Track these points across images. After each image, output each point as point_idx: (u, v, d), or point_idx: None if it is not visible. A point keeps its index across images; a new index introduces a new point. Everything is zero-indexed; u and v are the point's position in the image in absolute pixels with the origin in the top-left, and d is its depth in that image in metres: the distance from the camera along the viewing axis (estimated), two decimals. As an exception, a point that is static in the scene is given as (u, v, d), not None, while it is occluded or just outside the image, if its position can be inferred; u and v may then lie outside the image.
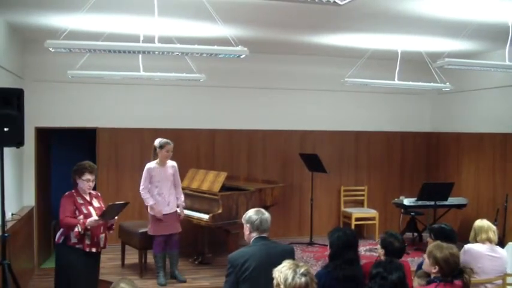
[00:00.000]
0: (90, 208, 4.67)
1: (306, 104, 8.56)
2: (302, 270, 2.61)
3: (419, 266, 4.24)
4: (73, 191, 4.69)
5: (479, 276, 4.38)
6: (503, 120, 7.51)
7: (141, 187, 6.09)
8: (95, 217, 4.57)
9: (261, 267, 3.43)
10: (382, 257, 3.93)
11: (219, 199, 6.32)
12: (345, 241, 3.77)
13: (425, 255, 3.58)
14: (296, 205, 8.63)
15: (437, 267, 3.37)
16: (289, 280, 2.57)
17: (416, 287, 3.61)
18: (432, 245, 3.54)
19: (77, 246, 4.60)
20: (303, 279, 2.58)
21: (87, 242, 4.62)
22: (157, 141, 6.12)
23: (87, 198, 4.72)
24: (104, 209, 4.64)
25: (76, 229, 4.49)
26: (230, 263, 3.55)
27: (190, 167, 7.47)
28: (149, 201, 6.06)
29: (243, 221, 3.73)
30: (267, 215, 3.72)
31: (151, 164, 6.12)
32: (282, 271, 2.62)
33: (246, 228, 3.70)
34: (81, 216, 4.57)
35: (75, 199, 4.64)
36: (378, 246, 4.10)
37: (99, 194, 4.95)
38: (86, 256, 4.64)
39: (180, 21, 5.73)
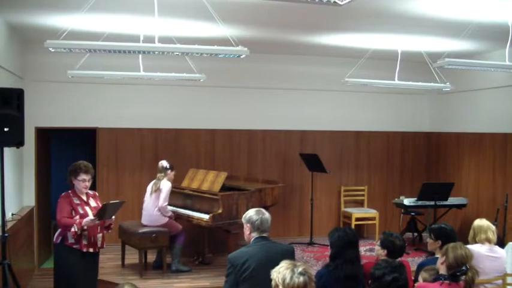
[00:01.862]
0: (87, 208, 4.67)
1: (306, 104, 8.56)
2: (300, 269, 2.59)
3: (420, 266, 4.24)
4: (69, 191, 4.70)
5: (480, 277, 4.37)
6: (503, 120, 7.50)
7: (166, 203, 6.57)
8: (91, 217, 4.58)
9: (261, 267, 3.43)
10: (383, 258, 3.93)
11: (219, 199, 6.31)
12: (346, 240, 3.78)
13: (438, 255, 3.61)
14: (296, 205, 8.62)
15: (446, 260, 3.40)
16: (288, 280, 2.56)
17: (418, 285, 3.59)
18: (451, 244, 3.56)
19: (74, 246, 4.60)
20: (301, 278, 2.57)
21: (84, 242, 4.62)
22: (166, 163, 6.71)
23: (84, 198, 4.72)
24: (100, 208, 4.63)
25: (73, 229, 4.49)
26: (230, 262, 3.55)
27: (190, 167, 7.48)
28: (169, 212, 6.70)
29: (244, 220, 3.73)
30: (267, 215, 3.72)
31: (170, 183, 6.67)
32: (280, 271, 2.61)
33: (247, 228, 3.69)
34: (78, 217, 4.57)
35: (72, 199, 4.64)
36: (377, 248, 4.10)
37: (97, 194, 4.95)
38: (84, 256, 4.64)
39: (180, 21, 5.72)
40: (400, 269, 3.15)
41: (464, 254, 3.43)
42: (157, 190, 6.56)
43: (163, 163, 6.72)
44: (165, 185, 6.56)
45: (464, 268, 3.32)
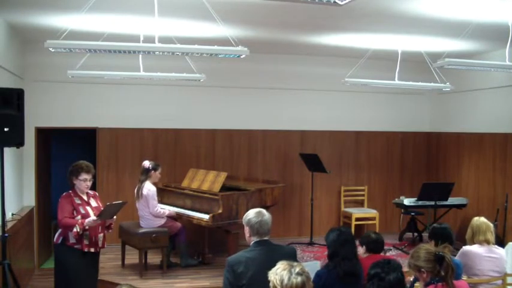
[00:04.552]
0: (88, 208, 4.69)
1: (306, 104, 8.56)
2: (297, 269, 2.59)
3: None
4: (70, 191, 4.71)
5: (479, 278, 4.38)
6: (503, 120, 7.50)
7: (156, 208, 6.46)
8: (93, 217, 4.59)
9: (260, 272, 3.36)
10: (363, 255, 4.16)
11: (219, 199, 6.31)
12: (341, 239, 3.81)
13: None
14: (296, 205, 8.63)
15: (424, 271, 3.32)
16: (286, 281, 2.55)
17: None
18: (407, 259, 3.45)
19: (76, 246, 4.61)
20: (299, 278, 2.56)
21: (86, 242, 4.63)
22: (148, 163, 6.52)
23: (85, 198, 4.73)
24: (102, 209, 4.65)
25: (74, 229, 4.50)
26: (229, 266, 3.48)
27: (190, 167, 7.48)
28: (166, 211, 6.61)
29: (243, 222, 3.68)
30: (267, 216, 3.65)
31: (153, 186, 6.51)
32: (277, 273, 2.60)
33: (246, 231, 3.65)
34: (79, 217, 4.59)
35: (73, 199, 4.65)
36: (358, 248, 4.15)
37: (97, 194, 4.96)
38: (84, 256, 4.66)
39: (180, 21, 5.73)
40: (398, 268, 3.16)
41: (426, 249, 3.36)
42: (142, 197, 6.41)
43: (146, 164, 6.51)
44: (149, 191, 6.40)
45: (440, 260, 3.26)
